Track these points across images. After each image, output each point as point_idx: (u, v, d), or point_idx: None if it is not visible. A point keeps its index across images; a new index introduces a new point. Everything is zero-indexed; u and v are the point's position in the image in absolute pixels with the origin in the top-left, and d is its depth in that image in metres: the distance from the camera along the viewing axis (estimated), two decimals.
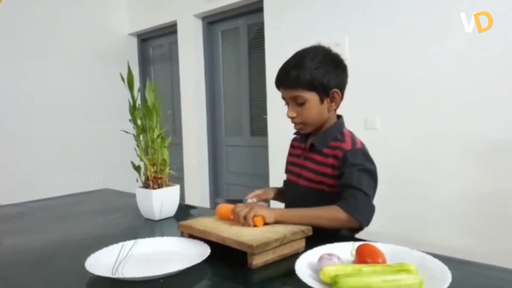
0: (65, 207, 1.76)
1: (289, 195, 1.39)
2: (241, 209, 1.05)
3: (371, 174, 1.16)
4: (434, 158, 2.30)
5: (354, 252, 0.88)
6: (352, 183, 1.11)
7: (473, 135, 2.17)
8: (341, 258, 0.85)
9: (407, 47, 2.39)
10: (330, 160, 1.20)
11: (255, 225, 1.02)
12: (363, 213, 1.09)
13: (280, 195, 1.46)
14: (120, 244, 1.03)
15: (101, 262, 0.92)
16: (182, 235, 1.11)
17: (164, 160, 1.42)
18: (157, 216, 1.41)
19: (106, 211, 1.64)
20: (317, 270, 0.81)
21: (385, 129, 2.39)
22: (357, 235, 1.22)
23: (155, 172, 1.41)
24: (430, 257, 0.86)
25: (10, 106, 3.56)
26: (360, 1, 2.58)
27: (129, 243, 1.04)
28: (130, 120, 1.41)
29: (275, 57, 3.09)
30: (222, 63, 3.84)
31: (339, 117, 1.30)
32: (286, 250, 0.98)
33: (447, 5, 2.23)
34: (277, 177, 2.97)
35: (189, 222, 1.11)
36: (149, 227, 1.36)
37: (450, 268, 0.78)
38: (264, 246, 0.91)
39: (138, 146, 1.42)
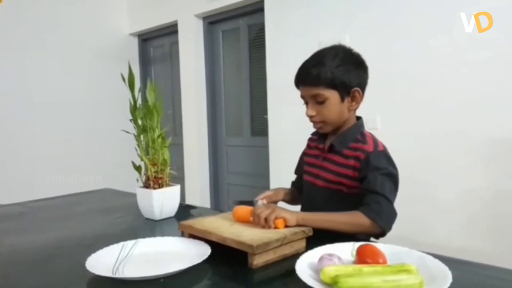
0: (65, 206, 1.76)
1: (305, 195, 1.37)
2: (262, 210, 1.04)
3: (394, 178, 1.15)
4: (435, 157, 2.30)
5: (354, 253, 0.88)
6: (376, 189, 1.10)
7: (474, 134, 2.17)
8: (341, 258, 0.85)
9: (407, 46, 2.39)
10: (351, 162, 1.18)
11: (276, 227, 1.02)
12: (386, 219, 1.09)
13: (289, 196, 1.43)
14: (120, 244, 1.03)
15: (101, 262, 0.92)
16: (182, 235, 1.11)
17: (164, 160, 1.42)
18: (157, 216, 1.41)
19: (107, 211, 1.65)
20: (317, 270, 0.81)
21: (386, 128, 2.39)
22: (357, 236, 1.22)
23: (156, 172, 1.41)
24: (431, 257, 0.86)
25: (10, 106, 3.56)
26: (361, 1, 2.58)
27: (130, 243, 1.04)
28: (130, 120, 1.41)
29: (276, 57, 3.09)
30: (223, 63, 3.84)
31: (358, 118, 1.28)
32: (286, 250, 0.98)
33: (447, 5, 2.23)
34: (278, 177, 2.98)
35: (189, 222, 1.11)
36: (150, 227, 1.37)
37: (450, 268, 0.78)
38: (265, 246, 0.92)
39: (138, 146, 1.42)
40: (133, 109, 1.39)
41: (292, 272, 0.81)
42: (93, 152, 4.08)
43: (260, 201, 1.24)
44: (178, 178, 3.79)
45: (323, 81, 1.15)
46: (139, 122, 1.40)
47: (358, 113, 1.31)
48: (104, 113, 4.14)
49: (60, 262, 1.03)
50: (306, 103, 1.23)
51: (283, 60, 3.03)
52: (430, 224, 2.33)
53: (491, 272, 0.89)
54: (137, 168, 1.43)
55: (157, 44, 4.52)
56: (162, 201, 1.40)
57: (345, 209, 1.10)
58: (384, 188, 1.11)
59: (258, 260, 0.91)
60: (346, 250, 0.92)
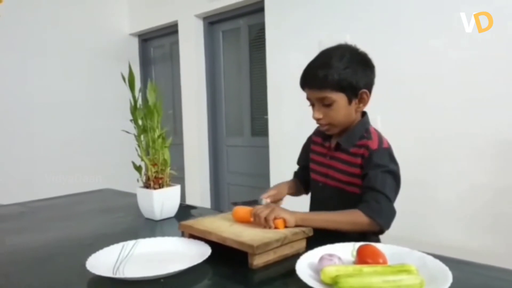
0: (66, 206, 1.77)
1: (316, 195, 1.35)
2: (262, 210, 1.04)
3: (395, 176, 1.14)
4: (436, 157, 2.30)
5: (354, 253, 0.88)
6: (376, 186, 1.09)
7: (475, 134, 2.17)
8: (341, 258, 0.85)
9: (407, 46, 2.39)
10: (358, 160, 1.17)
11: (276, 228, 1.02)
12: (385, 217, 1.08)
13: (293, 189, 1.42)
14: (121, 244, 1.03)
15: (102, 262, 0.92)
16: (182, 235, 1.11)
17: (165, 160, 1.42)
18: (158, 216, 1.41)
19: (107, 211, 1.65)
20: (317, 271, 0.81)
21: (386, 128, 2.37)
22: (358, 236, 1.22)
23: (156, 172, 1.41)
24: (431, 258, 0.86)
25: (11, 106, 3.56)
26: (361, 1, 2.58)
27: (130, 243, 1.04)
28: (131, 120, 1.42)
29: (276, 57, 3.09)
30: (223, 63, 3.84)
31: (363, 114, 1.26)
32: (287, 251, 0.98)
33: (447, 5, 2.23)
34: (278, 177, 2.96)
35: (189, 222, 1.11)
36: (150, 227, 1.37)
37: (451, 268, 0.78)
38: (265, 247, 0.92)
39: (139, 146, 1.42)
40: (134, 109, 1.39)
41: (292, 272, 0.81)
42: (94, 152, 4.08)
43: (265, 200, 1.23)
44: (178, 178, 3.79)
45: (330, 84, 1.13)
46: (140, 122, 1.40)
47: None
48: (104, 113, 4.15)
49: (60, 262, 1.03)
50: (312, 105, 1.21)
51: (283, 60, 3.03)
52: (430, 224, 2.33)
53: (491, 272, 0.89)
54: (138, 168, 1.43)
55: (157, 44, 4.52)
56: (163, 201, 1.40)
57: None
58: (384, 186, 1.10)
59: (258, 260, 0.91)
60: (346, 250, 0.92)
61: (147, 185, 1.42)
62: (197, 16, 3.76)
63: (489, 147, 2.13)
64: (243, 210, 1.12)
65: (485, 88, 2.13)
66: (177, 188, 1.46)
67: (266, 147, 3.25)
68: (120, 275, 0.88)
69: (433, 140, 2.31)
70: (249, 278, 0.89)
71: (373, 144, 1.16)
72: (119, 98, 3.74)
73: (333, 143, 1.26)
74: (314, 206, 1.37)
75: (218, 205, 3.94)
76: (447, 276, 0.76)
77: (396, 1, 2.42)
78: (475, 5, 2.12)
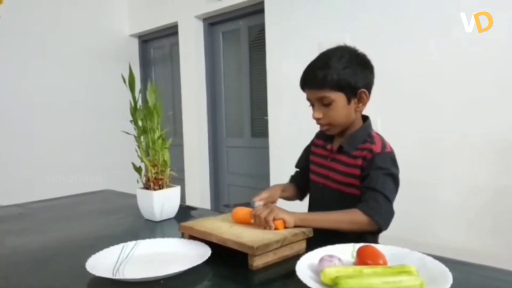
0: (66, 207, 1.76)
1: (315, 196, 1.36)
2: (261, 211, 1.05)
3: (395, 179, 1.15)
4: (436, 158, 2.30)
5: (355, 254, 0.88)
6: (376, 187, 1.11)
7: (475, 135, 2.17)
8: (342, 259, 0.85)
9: (408, 47, 2.39)
10: (359, 162, 1.18)
11: (276, 228, 1.02)
12: (383, 216, 1.09)
13: (287, 193, 1.42)
14: (121, 245, 1.03)
15: (101, 263, 0.92)
16: (182, 236, 1.11)
17: (165, 161, 1.42)
18: (157, 217, 1.41)
19: (107, 212, 1.64)
20: (318, 272, 0.81)
21: (386, 129, 2.38)
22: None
23: (156, 173, 1.41)
24: (431, 259, 0.86)
25: (11, 107, 3.56)
26: (361, 2, 2.58)
27: (130, 244, 1.04)
28: (131, 121, 1.42)
29: (276, 58, 3.09)
30: (223, 64, 3.85)
31: (365, 118, 1.27)
32: (287, 252, 0.98)
33: (447, 5, 2.23)
34: (278, 178, 2.97)
35: (189, 223, 1.11)
36: (150, 228, 1.37)
37: (451, 269, 0.78)
38: (265, 248, 0.92)
39: (139, 147, 1.42)
40: (134, 110, 1.39)
41: (292, 274, 0.81)
42: (94, 153, 4.08)
43: (257, 202, 1.23)
44: (178, 179, 3.78)
45: (329, 84, 1.14)
46: (140, 123, 1.40)
47: None
48: (104, 114, 4.15)
49: (60, 263, 1.03)
50: (312, 105, 1.22)
51: (283, 61, 3.03)
52: (430, 225, 2.33)
53: (492, 273, 0.89)
54: (138, 169, 1.43)
55: (157, 45, 4.52)
56: (163, 202, 1.40)
57: None
58: (384, 187, 1.11)
59: (258, 262, 0.91)
60: (346, 251, 0.92)
61: (147, 186, 1.42)
62: (197, 17, 3.77)
63: (490, 148, 2.13)
64: (242, 211, 1.12)
65: (485, 88, 2.13)
66: (177, 189, 1.46)
67: (266, 148, 3.25)
68: (120, 276, 0.87)
69: (433, 141, 2.31)
70: (249, 279, 0.89)
71: (377, 148, 1.17)
72: (119, 99, 3.75)
73: (335, 145, 1.27)
74: (313, 207, 1.37)
75: (218, 206, 3.93)
76: (447, 277, 0.76)
77: (395, 2, 2.43)
78: (475, 5, 2.12)
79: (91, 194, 2.04)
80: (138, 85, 1.37)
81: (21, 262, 1.04)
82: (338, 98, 1.16)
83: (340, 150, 1.24)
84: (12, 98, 3.57)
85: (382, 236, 1.30)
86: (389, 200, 1.11)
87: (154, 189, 1.40)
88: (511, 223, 2.08)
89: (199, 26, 3.81)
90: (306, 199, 1.44)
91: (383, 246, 0.92)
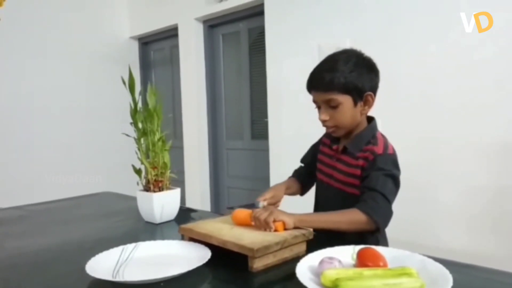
0: (65, 210, 1.76)
1: (320, 195, 1.38)
2: (261, 213, 1.05)
3: (395, 180, 1.16)
4: (437, 160, 2.30)
5: (355, 256, 0.88)
6: (376, 187, 1.11)
7: (476, 136, 2.17)
8: (342, 261, 0.85)
9: (408, 48, 2.39)
10: (360, 162, 1.20)
11: (276, 230, 1.02)
12: (382, 216, 1.10)
13: (291, 190, 1.43)
14: (120, 247, 1.03)
15: (101, 265, 0.92)
16: (182, 238, 1.11)
17: (165, 163, 1.42)
18: (157, 219, 1.40)
19: (107, 214, 1.64)
20: (318, 274, 0.81)
21: (386, 131, 2.38)
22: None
23: (156, 175, 1.41)
24: (431, 261, 0.85)
25: (11, 109, 3.56)
26: (361, 5, 2.58)
27: (130, 246, 1.04)
28: (131, 123, 1.42)
29: (276, 61, 3.09)
30: (223, 66, 3.85)
31: (370, 119, 1.29)
32: (287, 254, 0.98)
33: (447, 5, 2.23)
34: (278, 180, 2.94)
35: (189, 225, 1.11)
36: (150, 230, 1.36)
37: (451, 271, 0.78)
38: (265, 250, 0.91)
39: (139, 149, 1.42)
40: (134, 112, 1.39)
41: (292, 276, 0.81)
42: (94, 156, 4.08)
43: (262, 202, 1.23)
44: (178, 181, 3.78)
45: (337, 86, 1.16)
46: (140, 125, 1.40)
47: None
48: (104, 117, 4.15)
49: (60, 266, 1.03)
50: (319, 107, 1.23)
51: (283, 64, 3.03)
52: (431, 227, 2.32)
53: (492, 275, 0.89)
54: (138, 171, 1.43)
55: (157, 47, 4.53)
56: (162, 205, 1.40)
57: None
58: (384, 187, 1.12)
59: (258, 264, 0.91)
60: (346, 253, 0.92)
61: (147, 188, 1.42)
62: (197, 19, 3.77)
63: (490, 149, 2.13)
64: (242, 213, 1.12)
65: (485, 89, 2.13)
66: (177, 191, 1.46)
67: (266, 150, 3.25)
68: (120, 278, 0.87)
69: (434, 142, 2.31)
70: (249, 282, 0.89)
71: (379, 149, 1.18)
72: (119, 101, 3.75)
73: (341, 146, 1.28)
74: (318, 205, 1.39)
75: (218, 208, 3.93)
76: (448, 279, 0.76)
77: (395, 5, 2.43)
78: (475, 5, 2.13)
79: (91, 196, 2.04)
80: (138, 87, 1.38)
81: (20, 265, 1.04)
82: (345, 100, 1.17)
83: (345, 150, 1.26)
84: (13, 100, 3.58)
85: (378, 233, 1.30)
86: (388, 201, 1.12)
87: (154, 191, 1.39)
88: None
89: (199, 28, 3.82)
90: (310, 197, 1.44)
91: (384, 248, 0.92)
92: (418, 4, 2.34)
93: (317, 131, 1.44)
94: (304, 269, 0.84)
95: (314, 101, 1.24)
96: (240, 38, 3.63)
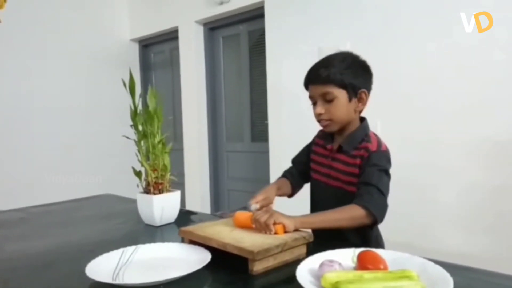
0: (65, 212, 1.76)
1: (317, 194, 1.40)
2: (261, 216, 1.05)
3: (389, 176, 1.21)
4: (436, 161, 2.30)
5: (355, 259, 0.88)
6: (371, 182, 1.15)
7: (475, 136, 2.17)
8: (342, 264, 0.85)
9: (407, 49, 2.40)
10: (357, 161, 1.23)
11: (276, 233, 1.02)
12: (378, 208, 1.13)
13: (282, 190, 1.42)
14: (120, 250, 1.03)
15: (101, 268, 0.92)
16: (183, 241, 1.11)
17: (165, 165, 1.42)
18: (157, 221, 1.40)
19: (107, 217, 1.64)
20: (318, 277, 0.81)
21: (386, 132, 2.38)
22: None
23: (156, 177, 1.41)
24: (432, 264, 0.85)
25: (11, 111, 3.56)
26: (361, 7, 2.59)
27: (130, 249, 1.04)
28: (131, 126, 1.42)
29: (276, 63, 3.10)
30: (223, 69, 3.85)
31: (362, 119, 1.32)
32: (287, 256, 0.98)
33: (446, 9, 2.24)
34: None
35: (190, 228, 1.11)
36: (150, 233, 1.36)
37: (451, 274, 0.78)
38: (265, 252, 0.91)
39: (139, 151, 1.42)
40: (134, 114, 1.39)
41: (292, 279, 0.81)
42: (94, 158, 4.08)
43: (254, 205, 1.23)
44: (178, 184, 3.78)
45: (333, 80, 1.21)
46: (140, 127, 1.40)
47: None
48: (104, 119, 4.15)
49: (60, 268, 1.03)
50: (314, 103, 1.27)
51: (283, 66, 3.03)
52: (431, 230, 2.32)
53: (493, 278, 0.89)
54: (138, 174, 1.43)
55: (157, 50, 4.53)
56: (162, 207, 1.40)
57: None
58: (379, 182, 1.16)
59: (258, 266, 0.91)
60: (346, 256, 0.92)
61: (147, 191, 1.42)
62: (197, 22, 3.78)
63: (490, 150, 2.13)
64: (244, 216, 1.11)
65: (485, 89, 2.13)
66: (177, 194, 1.46)
67: (266, 152, 3.25)
68: (119, 281, 0.87)
69: (434, 144, 2.31)
70: (249, 284, 0.89)
71: (373, 147, 1.23)
72: (120, 103, 3.76)
73: (335, 145, 1.31)
74: (315, 205, 1.40)
75: (218, 211, 3.92)
76: (448, 282, 0.75)
77: (395, 6, 2.44)
78: (475, 5, 2.13)
79: (91, 199, 2.04)
80: (138, 90, 1.38)
81: (20, 267, 1.04)
82: (340, 95, 1.22)
83: (340, 149, 1.29)
84: (13, 102, 3.58)
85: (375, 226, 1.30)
86: (383, 194, 1.15)
87: (154, 194, 1.39)
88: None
89: (199, 30, 3.82)
90: (304, 198, 1.44)
91: (384, 251, 0.92)
92: (418, 5, 2.35)
93: (314, 136, 1.44)
94: (304, 272, 0.84)
95: (310, 97, 1.28)
96: (240, 41, 3.63)
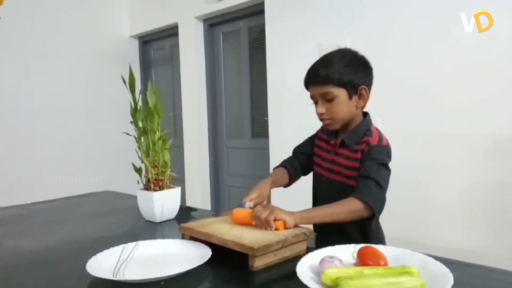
0: (66, 209, 1.76)
1: (319, 188, 1.40)
2: (261, 212, 1.05)
3: (389, 170, 1.21)
4: (437, 159, 2.30)
5: (355, 255, 0.88)
6: (370, 175, 1.16)
7: (475, 134, 2.17)
8: (342, 260, 0.85)
9: (408, 47, 2.39)
10: (358, 155, 1.24)
11: (276, 229, 1.02)
12: (376, 201, 1.13)
13: (277, 183, 1.43)
14: (121, 246, 1.03)
15: (102, 264, 0.92)
16: (183, 237, 1.11)
17: (165, 162, 1.42)
18: (158, 218, 1.40)
19: (107, 213, 1.64)
20: (318, 273, 0.81)
21: (387, 129, 2.38)
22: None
23: (156, 174, 1.41)
24: (432, 260, 0.85)
25: (11, 108, 3.56)
26: (361, 3, 2.58)
27: (130, 245, 1.04)
28: (131, 122, 1.42)
29: (276, 59, 3.09)
30: (223, 65, 3.85)
31: (365, 114, 1.33)
32: (287, 253, 0.98)
33: (447, 7, 2.23)
34: None
35: (190, 224, 1.11)
36: (150, 229, 1.36)
37: (452, 270, 0.78)
38: (265, 249, 0.91)
39: (139, 148, 1.42)
40: (134, 111, 1.39)
41: (293, 275, 0.81)
42: (94, 154, 4.08)
43: (248, 203, 1.23)
44: (179, 180, 3.79)
45: (332, 80, 1.21)
46: (140, 124, 1.40)
47: None
48: (105, 115, 4.15)
49: (60, 265, 1.03)
50: (316, 102, 1.27)
51: (283, 62, 3.03)
52: (431, 226, 2.32)
53: (493, 274, 0.89)
54: (138, 170, 1.43)
55: (157, 46, 4.52)
56: (163, 203, 1.40)
57: None
58: (378, 175, 1.16)
59: (258, 263, 0.91)
60: (347, 252, 0.92)
61: (147, 187, 1.42)
62: (197, 18, 3.77)
63: (491, 148, 2.13)
64: (242, 213, 1.12)
65: (486, 87, 2.13)
66: (177, 190, 1.46)
67: (266, 149, 3.25)
68: (120, 277, 0.87)
69: (435, 142, 2.31)
70: (250, 281, 0.89)
71: (374, 141, 1.23)
72: (120, 100, 3.76)
73: (338, 140, 1.32)
74: (317, 199, 1.41)
75: (218, 207, 3.93)
76: (448, 278, 0.76)
77: (396, 4, 2.43)
78: (475, 5, 2.13)
79: (91, 195, 2.04)
80: (138, 86, 1.38)
81: (21, 264, 1.04)
82: (341, 94, 1.22)
83: (342, 144, 1.30)
84: (13, 99, 3.57)
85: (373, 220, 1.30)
86: (381, 187, 1.16)
87: (155, 190, 1.39)
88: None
89: (199, 27, 3.81)
90: (304, 192, 1.45)
91: (384, 247, 0.92)
92: (418, 2, 2.34)
93: (317, 129, 1.44)
94: (304, 268, 0.84)
95: (311, 97, 1.28)
96: (240, 37, 3.62)
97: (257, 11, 3.30)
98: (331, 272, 0.77)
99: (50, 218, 1.59)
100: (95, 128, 4.10)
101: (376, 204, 1.13)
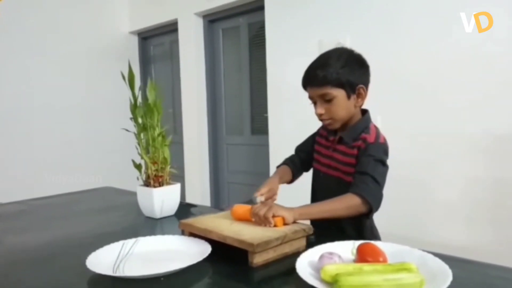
0: (66, 205, 1.76)
1: (318, 184, 1.41)
2: (260, 209, 1.06)
3: (386, 166, 1.22)
4: (436, 156, 2.30)
5: (355, 251, 0.88)
6: (367, 171, 1.16)
7: (475, 133, 2.17)
8: (342, 257, 0.85)
9: (408, 46, 2.38)
10: (355, 151, 1.25)
11: (275, 225, 1.03)
12: (373, 196, 1.13)
13: (284, 179, 1.44)
14: (121, 242, 1.03)
15: (102, 260, 0.92)
16: (183, 233, 1.11)
17: (165, 158, 1.42)
18: (158, 214, 1.41)
19: (107, 209, 1.65)
20: (318, 269, 0.81)
21: (386, 127, 2.38)
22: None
23: (156, 170, 1.41)
24: (431, 256, 0.86)
25: (10, 105, 3.55)
26: (362, 1, 2.57)
27: (130, 241, 1.04)
28: (131, 119, 1.41)
29: (276, 56, 3.08)
30: (223, 61, 3.84)
31: (364, 112, 1.33)
32: (287, 249, 0.98)
33: (447, 5, 2.23)
34: None
35: (190, 220, 1.11)
36: (150, 226, 1.37)
37: (451, 267, 0.78)
38: (265, 245, 0.92)
39: (139, 144, 1.42)
40: (133, 107, 1.39)
41: (292, 271, 0.81)
42: (94, 151, 4.08)
43: (259, 197, 1.23)
44: (178, 177, 3.78)
45: (330, 81, 1.21)
46: (139, 120, 1.40)
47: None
48: (104, 112, 4.14)
49: (60, 261, 1.03)
50: (315, 103, 1.28)
51: (283, 59, 3.02)
52: (430, 223, 2.33)
53: (492, 271, 0.89)
54: (138, 167, 1.43)
55: (157, 42, 4.51)
56: (163, 200, 1.40)
57: None
58: (374, 171, 1.17)
59: (258, 259, 0.91)
60: (346, 248, 0.92)
61: (147, 184, 1.42)
62: (197, 14, 3.76)
63: (490, 146, 2.13)
64: (242, 209, 1.12)
65: (485, 87, 2.13)
66: (177, 187, 1.46)
67: (266, 145, 3.25)
68: (120, 273, 0.88)
69: (434, 139, 2.31)
70: (249, 277, 0.89)
71: (371, 138, 1.24)
72: (119, 96, 3.75)
73: (337, 137, 1.33)
74: (315, 194, 1.43)
75: (218, 203, 3.94)
76: (447, 274, 0.76)
77: (396, 2, 2.42)
78: (475, 5, 2.12)
79: (91, 192, 2.04)
80: (137, 83, 1.38)
81: (21, 260, 1.04)
82: (339, 94, 1.22)
83: (341, 140, 1.31)
84: (12, 97, 3.57)
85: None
86: (378, 183, 1.16)
87: (154, 187, 1.40)
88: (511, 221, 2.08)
89: (199, 23, 3.80)
90: (304, 188, 1.46)
91: (383, 244, 0.93)
92: (418, 2, 2.33)
93: (317, 126, 1.45)
94: (304, 264, 0.84)
95: (310, 97, 1.29)
96: (240, 33, 3.61)
97: (257, 8, 3.29)
98: (331, 269, 0.77)
99: (50, 214, 1.59)
100: (94, 124, 4.10)
101: (373, 199, 1.13)
